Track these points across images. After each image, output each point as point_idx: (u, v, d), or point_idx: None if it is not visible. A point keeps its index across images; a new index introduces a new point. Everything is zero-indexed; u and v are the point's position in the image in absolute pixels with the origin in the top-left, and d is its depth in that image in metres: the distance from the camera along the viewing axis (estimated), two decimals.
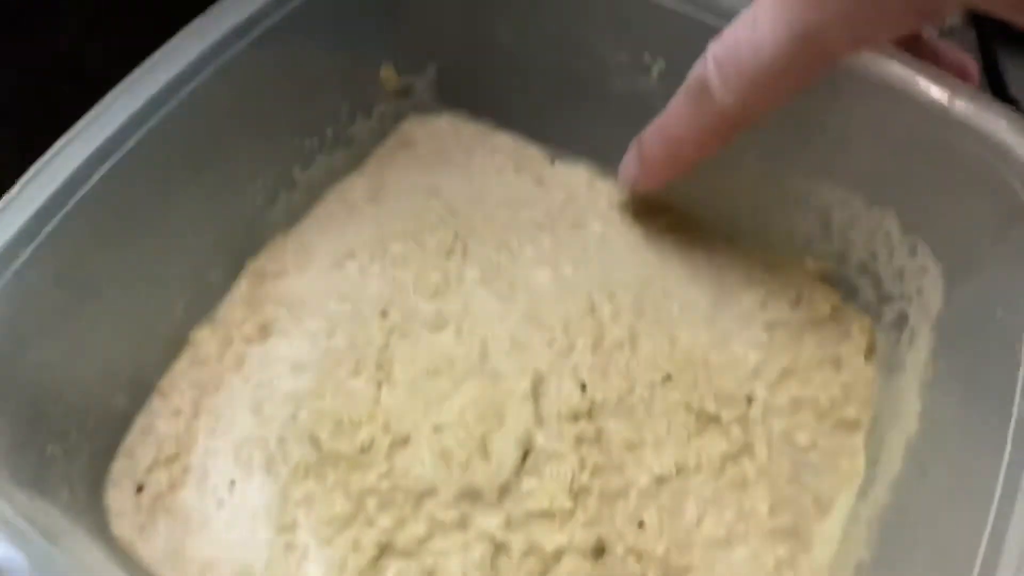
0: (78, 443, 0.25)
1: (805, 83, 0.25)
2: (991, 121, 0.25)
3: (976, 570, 0.19)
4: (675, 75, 0.30)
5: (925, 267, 0.28)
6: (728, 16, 0.27)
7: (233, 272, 0.30)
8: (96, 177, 0.25)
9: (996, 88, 0.40)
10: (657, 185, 0.31)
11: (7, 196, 0.23)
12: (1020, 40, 0.44)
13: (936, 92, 0.26)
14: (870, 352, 0.30)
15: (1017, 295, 0.23)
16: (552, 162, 0.35)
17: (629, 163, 0.30)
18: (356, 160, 0.33)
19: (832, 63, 0.24)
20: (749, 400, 0.29)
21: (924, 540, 0.23)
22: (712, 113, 0.26)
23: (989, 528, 0.20)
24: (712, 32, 0.28)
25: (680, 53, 0.29)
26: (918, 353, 0.28)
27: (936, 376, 0.26)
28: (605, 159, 0.34)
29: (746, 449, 0.28)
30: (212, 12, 0.27)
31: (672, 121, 0.28)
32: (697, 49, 0.29)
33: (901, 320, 0.29)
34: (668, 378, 0.29)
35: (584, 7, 0.30)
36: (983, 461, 0.21)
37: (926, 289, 0.28)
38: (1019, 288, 0.23)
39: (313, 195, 0.32)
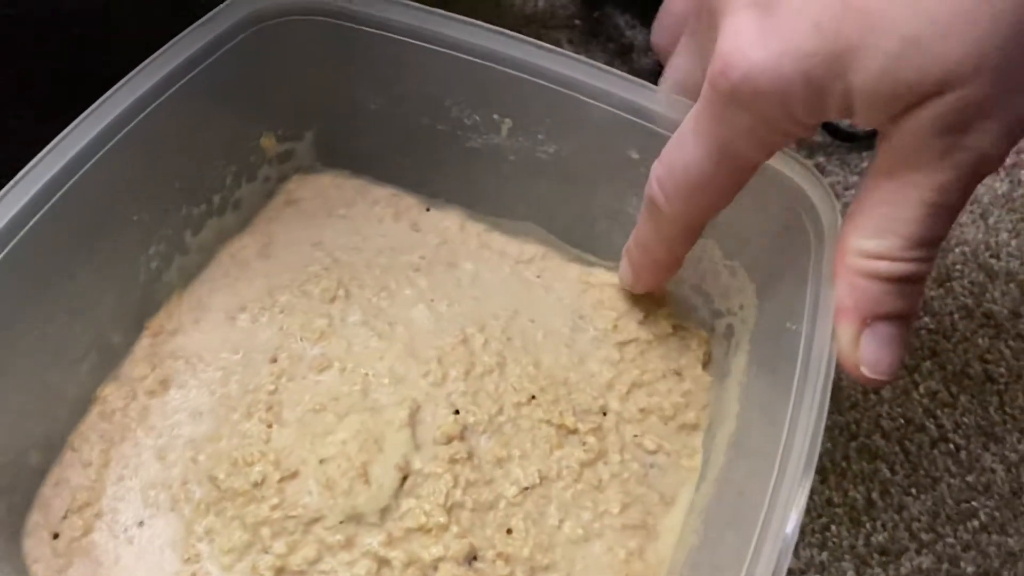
0: None
1: (734, 188, 0.27)
2: (787, 167, 0.30)
3: (755, 537, 0.23)
4: (521, 130, 0.34)
5: (743, 287, 0.33)
6: (558, 83, 0.32)
7: (134, 332, 0.33)
8: (1, 256, 0.27)
9: None
10: (653, 287, 0.34)
11: None
12: None
13: None
14: (706, 362, 0.34)
15: (798, 309, 0.27)
16: (427, 209, 0.38)
17: (624, 270, 0.34)
18: (245, 220, 0.36)
19: (752, 169, 0.27)
20: (603, 412, 0.33)
21: (732, 521, 0.27)
22: (666, 224, 0.29)
23: (767, 501, 0.24)
24: (546, 93, 0.32)
25: (523, 112, 0.34)
26: (740, 361, 0.32)
27: (750, 380, 0.31)
28: (473, 203, 0.38)
29: (601, 456, 0.32)
30: (103, 100, 0.30)
31: (641, 234, 0.31)
32: (536, 107, 0.33)
33: (729, 332, 0.34)
34: (532, 398, 0.33)
35: (440, 76, 0.34)
36: (770, 449, 0.25)
37: (746, 305, 0.33)
38: (799, 304, 0.27)
39: (206, 255, 0.35)
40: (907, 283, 0.24)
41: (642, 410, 0.33)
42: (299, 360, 0.33)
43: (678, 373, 0.34)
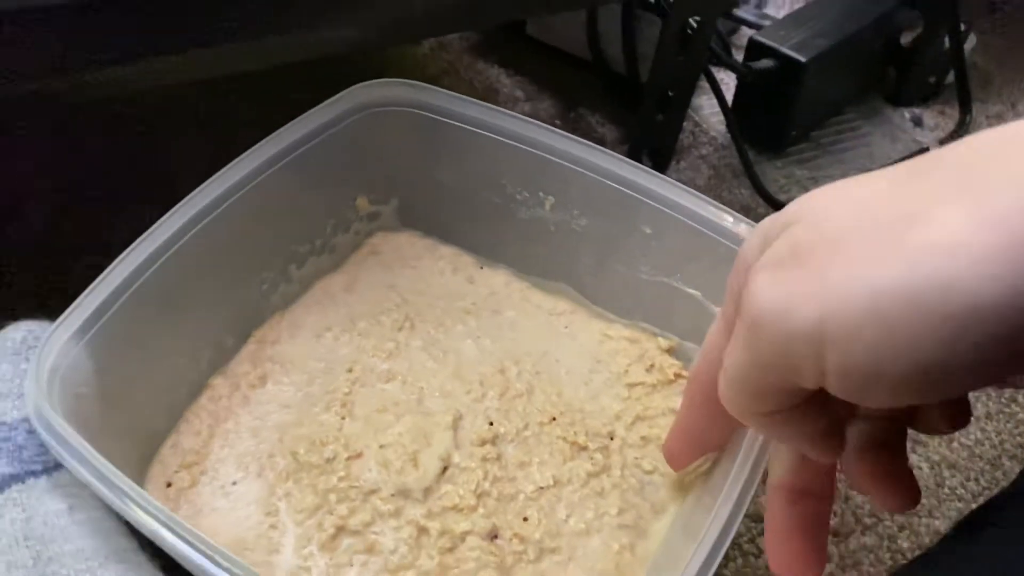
0: (129, 450, 0.36)
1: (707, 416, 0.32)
2: (743, 230, 0.38)
3: (697, 543, 0.30)
4: (562, 206, 0.43)
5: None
6: (590, 169, 0.41)
7: (242, 339, 0.41)
8: (149, 272, 0.36)
9: (758, 188, 0.53)
10: (669, 456, 0.37)
11: (95, 283, 0.35)
12: (771, 148, 0.59)
13: (704, 211, 0.39)
14: None
15: None
16: (481, 267, 0.47)
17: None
18: (337, 263, 0.45)
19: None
20: (611, 436, 0.40)
21: (697, 528, 0.33)
22: (689, 395, 0.34)
23: (715, 509, 0.30)
24: (580, 177, 0.41)
25: (563, 191, 0.42)
26: None
27: None
28: (519, 265, 0.46)
29: (605, 469, 0.39)
30: (239, 160, 0.40)
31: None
32: (573, 188, 0.42)
33: None
34: (553, 419, 0.40)
35: (496, 159, 0.43)
36: (728, 466, 0.32)
37: None
38: None
39: (304, 287, 0.44)
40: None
41: (643, 438, 0.40)
42: (370, 372, 0.41)
43: (676, 412, 0.41)
